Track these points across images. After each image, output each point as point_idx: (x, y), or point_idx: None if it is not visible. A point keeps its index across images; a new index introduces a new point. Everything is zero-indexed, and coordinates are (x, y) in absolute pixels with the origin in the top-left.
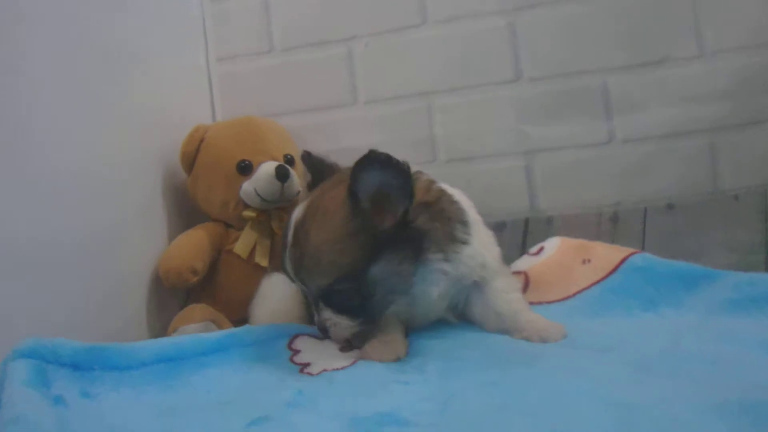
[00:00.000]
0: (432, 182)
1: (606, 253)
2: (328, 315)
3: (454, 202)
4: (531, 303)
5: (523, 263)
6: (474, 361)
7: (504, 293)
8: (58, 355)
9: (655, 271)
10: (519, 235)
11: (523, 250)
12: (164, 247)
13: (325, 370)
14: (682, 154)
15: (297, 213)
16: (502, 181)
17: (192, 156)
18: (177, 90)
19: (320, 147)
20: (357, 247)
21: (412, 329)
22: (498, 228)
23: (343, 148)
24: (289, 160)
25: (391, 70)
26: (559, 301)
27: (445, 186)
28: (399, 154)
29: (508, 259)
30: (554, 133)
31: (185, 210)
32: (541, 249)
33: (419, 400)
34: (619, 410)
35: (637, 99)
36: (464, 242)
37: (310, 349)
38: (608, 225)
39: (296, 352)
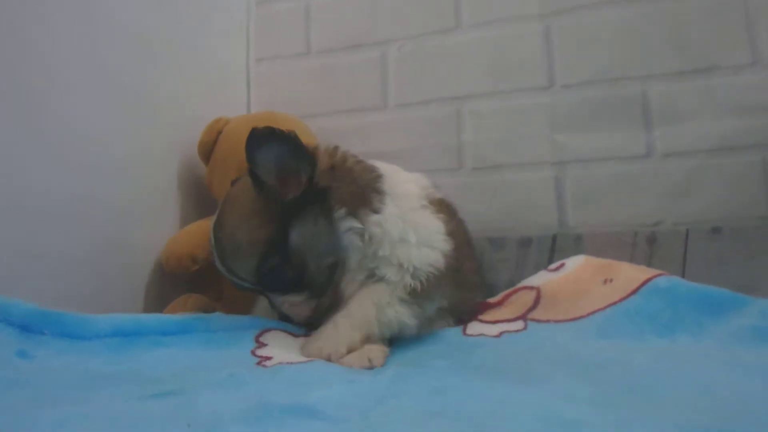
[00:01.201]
0: (336, 148)
1: (630, 274)
2: (278, 300)
3: (370, 169)
4: (538, 321)
5: (538, 279)
6: (438, 369)
7: (375, 300)
8: (8, 314)
9: (677, 295)
10: (545, 253)
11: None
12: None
13: (279, 363)
14: (731, 171)
15: (215, 215)
16: (529, 194)
17: (209, 146)
18: (215, 87)
19: (351, 149)
20: (268, 221)
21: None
22: (523, 244)
23: (373, 151)
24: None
25: (423, 74)
26: (569, 320)
27: (373, 161)
28: (425, 160)
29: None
30: (588, 144)
31: (204, 201)
32: (562, 265)
33: (351, 397)
34: (560, 427)
35: (681, 109)
36: (375, 210)
37: (278, 345)
38: (645, 247)
39: (262, 345)
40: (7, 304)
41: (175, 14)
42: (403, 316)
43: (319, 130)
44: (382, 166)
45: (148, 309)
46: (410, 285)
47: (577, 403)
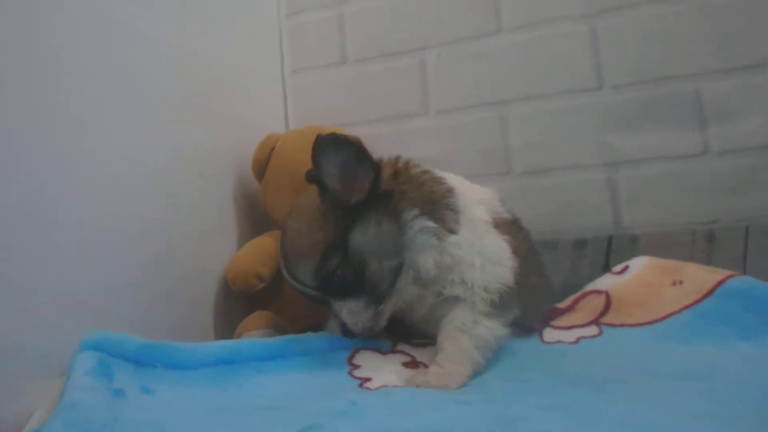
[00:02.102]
0: (399, 157)
1: (699, 275)
2: (338, 305)
3: (439, 182)
4: (611, 325)
5: (604, 282)
6: (537, 383)
7: (460, 327)
8: (122, 350)
9: (756, 297)
10: (601, 255)
11: (605, 271)
12: (234, 252)
13: (384, 386)
14: None
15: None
16: (582, 196)
17: (263, 163)
18: (252, 100)
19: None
20: (330, 224)
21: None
22: (578, 246)
23: (416, 157)
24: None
25: (464, 79)
26: (644, 324)
27: (439, 171)
28: (471, 165)
29: (589, 279)
30: (640, 144)
31: (256, 217)
32: (626, 268)
33: (478, 420)
34: None
35: (735, 106)
36: (452, 230)
37: (370, 365)
38: (703, 245)
39: (356, 366)
40: (120, 341)
41: (209, 30)
42: (495, 329)
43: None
44: (450, 178)
45: (217, 326)
46: (488, 298)
47: (699, 419)
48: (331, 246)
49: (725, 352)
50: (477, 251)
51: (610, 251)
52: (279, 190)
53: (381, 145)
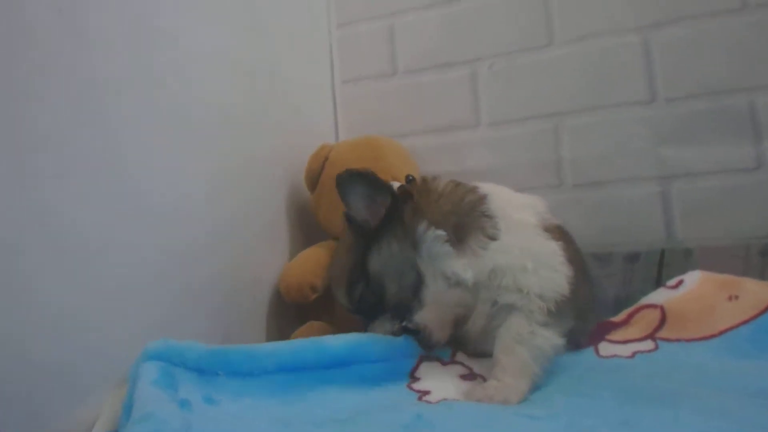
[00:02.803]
0: (435, 178)
1: (757, 290)
2: (370, 327)
3: (470, 191)
4: (668, 340)
5: (659, 296)
6: (604, 398)
7: (517, 338)
8: (185, 359)
9: None
10: (654, 268)
11: (658, 284)
12: (286, 262)
13: (444, 399)
14: None
15: None
16: (635, 209)
17: (316, 174)
18: (303, 110)
19: (443, 168)
20: (354, 251)
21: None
22: (631, 259)
23: (466, 169)
24: (410, 181)
25: (516, 92)
26: (700, 339)
27: (476, 183)
28: (522, 177)
29: (641, 293)
30: (694, 157)
31: (308, 227)
32: (680, 282)
33: None
34: None
35: None
36: (491, 237)
37: (430, 377)
38: (757, 259)
39: (416, 379)
40: (182, 348)
41: (262, 41)
42: (552, 339)
43: (409, 149)
44: (486, 187)
45: (270, 333)
46: (544, 307)
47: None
48: (353, 271)
49: None
50: (528, 254)
51: (663, 265)
52: (332, 200)
53: (433, 157)
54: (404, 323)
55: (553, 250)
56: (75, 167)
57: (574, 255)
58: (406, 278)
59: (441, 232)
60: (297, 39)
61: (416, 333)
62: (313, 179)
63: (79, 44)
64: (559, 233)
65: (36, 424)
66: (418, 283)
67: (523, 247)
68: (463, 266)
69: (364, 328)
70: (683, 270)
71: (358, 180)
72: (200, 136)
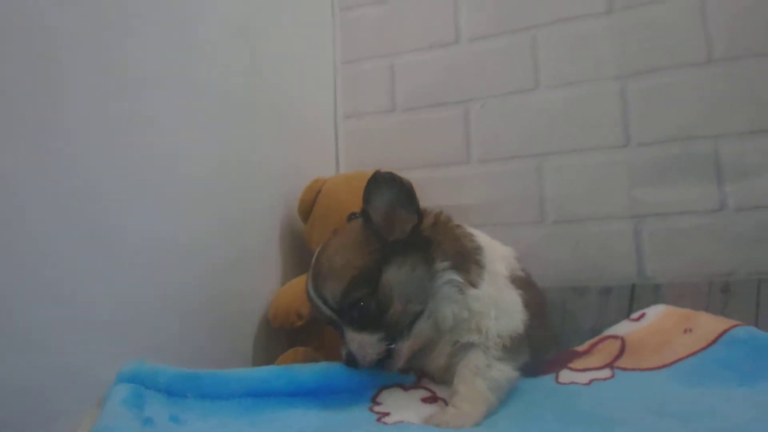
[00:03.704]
0: (441, 211)
1: (709, 324)
2: (351, 336)
3: (470, 238)
4: (624, 369)
5: (622, 328)
6: (545, 421)
7: (475, 370)
8: (156, 381)
9: (755, 345)
10: (625, 301)
11: (629, 317)
12: (278, 289)
13: (401, 422)
14: None
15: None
16: (609, 245)
17: (309, 205)
18: (305, 143)
19: (436, 202)
20: (368, 252)
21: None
22: (604, 293)
23: (457, 203)
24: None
25: (504, 131)
26: (654, 369)
27: (469, 228)
28: (507, 213)
29: (614, 324)
30: (663, 199)
31: (301, 257)
32: (643, 315)
33: None
34: None
35: (752, 166)
36: (474, 284)
37: (392, 402)
38: (719, 296)
39: (378, 404)
40: (155, 372)
41: (268, 76)
42: (506, 371)
43: None
44: (479, 236)
45: (256, 357)
46: (500, 343)
47: None
48: (363, 274)
49: (726, 395)
50: (494, 303)
51: (634, 298)
52: (324, 231)
53: (427, 191)
54: (392, 346)
55: (514, 299)
56: (72, 204)
57: (533, 301)
58: (415, 305)
59: (458, 278)
60: (302, 75)
61: (389, 354)
62: (306, 210)
63: (63, 88)
64: (521, 282)
65: None
66: (419, 315)
67: (491, 296)
68: (454, 314)
69: (339, 334)
70: (652, 304)
71: (395, 186)
72: (198, 169)
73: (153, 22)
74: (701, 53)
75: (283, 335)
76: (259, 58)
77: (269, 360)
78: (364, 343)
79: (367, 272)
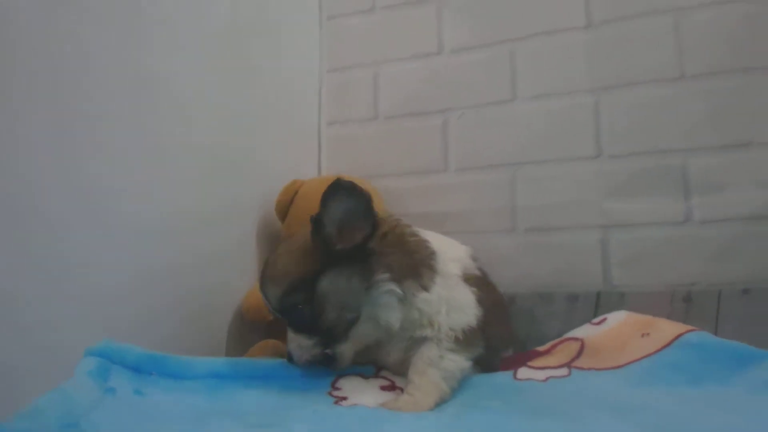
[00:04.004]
0: (399, 220)
1: (665, 329)
2: (290, 336)
3: (424, 245)
4: (581, 368)
5: (583, 331)
6: (492, 409)
7: (428, 362)
8: (123, 358)
9: (707, 349)
10: (591, 308)
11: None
12: (253, 284)
13: (355, 404)
14: (763, 238)
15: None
16: (577, 254)
17: (286, 206)
18: (289, 147)
19: (414, 209)
20: (310, 261)
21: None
22: (571, 300)
23: (435, 211)
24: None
25: (481, 141)
26: (609, 369)
27: (426, 233)
28: (481, 221)
29: None
30: (631, 210)
31: None
32: (604, 320)
33: (419, 429)
34: None
35: (718, 180)
36: (425, 288)
37: (351, 388)
38: (681, 305)
39: (337, 389)
40: (122, 350)
41: (255, 81)
42: (459, 361)
43: (384, 190)
44: (434, 241)
45: (229, 350)
46: (452, 336)
47: None
48: (301, 281)
49: (672, 393)
50: (445, 302)
51: (599, 306)
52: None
53: (405, 198)
54: (328, 351)
55: (467, 296)
56: (57, 191)
57: (487, 298)
58: (348, 312)
59: (396, 289)
60: (289, 82)
61: (329, 359)
62: (283, 211)
63: (65, 77)
64: (475, 281)
65: None
66: (353, 322)
67: (442, 296)
68: (396, 318)
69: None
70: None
71: (353, 196)
72: (183, 167)
73: (147, 25)
74: (674, 69)
75: (255, 329)
76: (247, 65)
77: (242, 352)
78: (301, 345)
79: (305, 280)
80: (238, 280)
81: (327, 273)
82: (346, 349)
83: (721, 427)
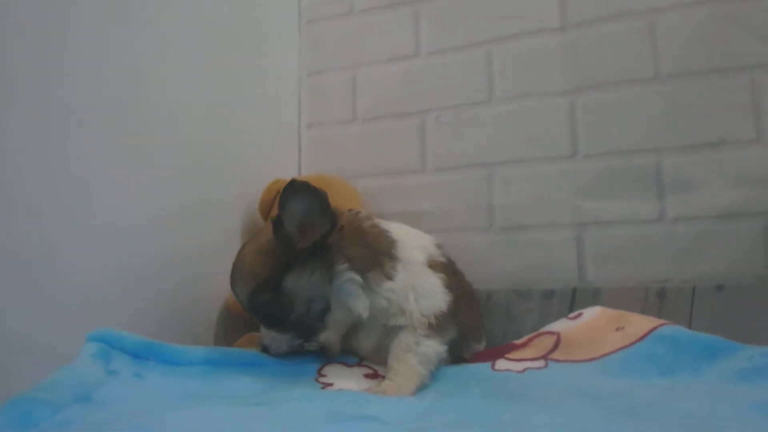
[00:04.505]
0: (358, 213)
1: (639, 323)
2: (264, 331)
3: (384, 235)
4: (557, 360)
5: (559, 325)
6: (472, 395)
7: (405, 348)
8: (122, 344)
9: (679, 341)
10: (566, 304)
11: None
12: None
13: (341, 389)
14: (735, 235)
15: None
16: (553, 251)
17: (268, 205)
18: (269, 149)
19: (392, 209)
20: (274, 261)
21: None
22: (546, 296)
23: (412, 211)
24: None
25: (458, 142)
26: (584, 361)
27: (387, 224)
28: (458, 220)
29: None
30: (606, 208)
31: None
32: (580, 314)
33: (403, 410)
34: None
35: (691, 179)
36: (389, 277)
37: (336, 375)
38: (655, 300)
39: (323, 376)
40: (121, 336)
41: (236, 83)
42: (434, 346)
43: (363, 190)
44: (396, 231)
45: (217, 343)
46: (426, 322)
47: (587, 418)
48: (266, 281)
49: (641, 383)
50: (411, 288)
51: (574, 302)
52: None
53: (383, 198)
54: (305, 343)
55: (434, 282)
56: (42, 192)
57: (457, 284)
58: (316, 305)
59: (356, 277)
60: (268, 84)
61: (320, 348)
62: (266, 210)
63: (47, 72)
64: (442, 267)
65: None
66: (326, 311)
67: (407, 283)
68: (364, 306)
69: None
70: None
71: (309, 195)
72: (165, 166)
73: (130, 26)
74: (648, 70)
75: (241, 322)
76: (228, 68)
77: (229, 345)
78: (275, 339)
79: (270, 280)
80: (224, 275)
81: (291, 271)
82: (329, 336)
83: (691, 412)
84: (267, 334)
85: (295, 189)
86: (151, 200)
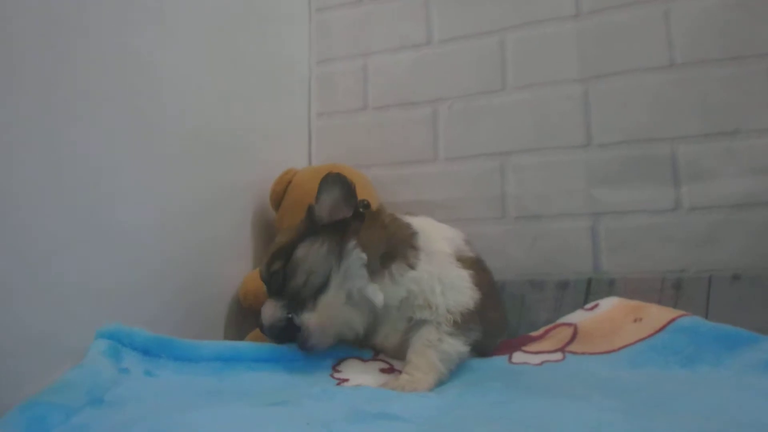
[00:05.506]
0: (382, 208)
1: (657, 314)
2: (266, 301)
3: (405, 226)
4: (575, 353)
5: (576, 316)
6: (493, 389)
7: (427, 343)
8: (132, 341)
9: (699, 332)
10: (581, 295)
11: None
12: (248, 272)
13: (358, 385)
14: (751, 225)
15: None
16: (567, 241)
17: (280, 195)
18: (280, 138)
19: (403, 198)
20: (295, 235)
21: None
22: (561, 286)
23: (423, 200)
24: (365, 206)
25: (471, 131)
26: (603, 353)
27: (411, 218)
28: (471, 209)
29: None
30: (621, 198)
31: (271, 243)
32: (596, 305)
33: (425, 408)
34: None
35: (707, 168)
36: (411, 266)
37: (351, 370)
38: (671, 291)
39: (338, 371)
40: (132, 333)
41: (246, 73)
42: (457, 345)
43: (374, 179)
44: (418, 223)
45: (228, 336)
46: (451, 319)
47: (612, 413)
48: (283, 249)
49: (666, 375)
50: (437, 279)
51: (589, 292)
52: (293, 220)
53: (395, 187)
54: (290, 315)
55: (462, 276)
56: (52, 184)
57: (484, 282)
58: (315, 278)
59: (363, 256)
60: (278, 73)
61: (297, 330)
62: (277, 200)
63: (58, 61)
64: (471, 263)
65: None
66: (322, 288)
67: (433, 273)
68: (374, 290)
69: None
70: (607, 297)
71: (341, 185)
72: (175, 157)
73: (140, 14)
74: (663, 58)
75: (252, 315)
76: (238, 56)
77: (240, 338)
78: (268, 305)
79: (287, 247)
80: (234, 267)
81: (304, 241)
82: (312, 319)
83: (712, 404)
84: (266, 304)
85: (330, 180)
86: (160, 192)
